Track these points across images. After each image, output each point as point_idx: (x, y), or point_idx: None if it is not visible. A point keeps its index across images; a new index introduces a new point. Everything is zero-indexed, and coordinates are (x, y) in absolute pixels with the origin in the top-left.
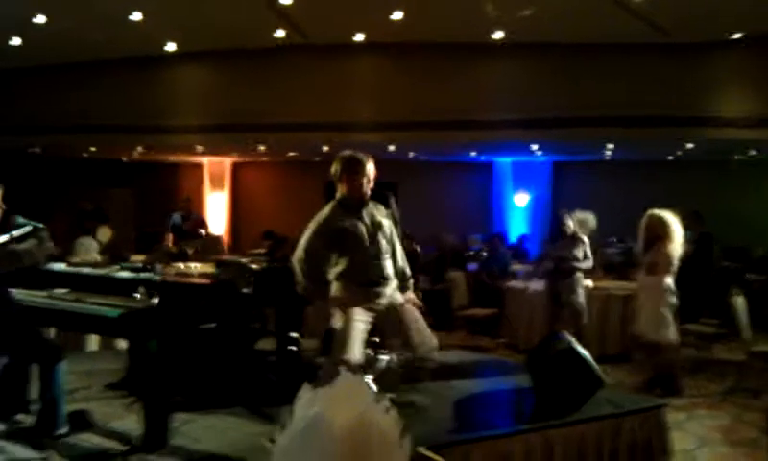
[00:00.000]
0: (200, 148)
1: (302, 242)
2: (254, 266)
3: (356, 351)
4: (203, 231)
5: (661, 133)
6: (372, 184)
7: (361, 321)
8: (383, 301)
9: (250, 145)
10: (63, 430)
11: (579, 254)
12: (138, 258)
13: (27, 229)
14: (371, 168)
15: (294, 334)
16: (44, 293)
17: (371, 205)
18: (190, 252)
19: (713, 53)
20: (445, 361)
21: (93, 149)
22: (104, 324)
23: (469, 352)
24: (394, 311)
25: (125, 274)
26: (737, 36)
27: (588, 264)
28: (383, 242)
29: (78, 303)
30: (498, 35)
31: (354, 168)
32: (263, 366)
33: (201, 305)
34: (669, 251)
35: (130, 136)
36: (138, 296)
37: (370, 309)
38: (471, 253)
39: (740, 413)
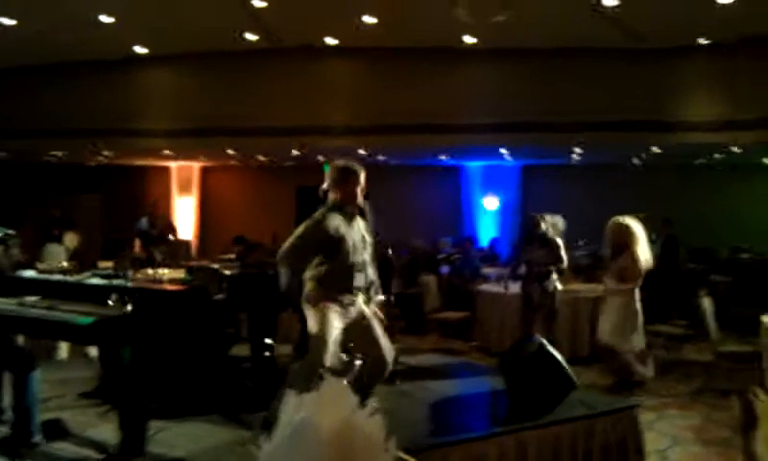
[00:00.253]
0: (168, 152)
1: (292, 239)
2: (227, 272)
3: (333, 356)
4: (171, 237)
5: (629, 138)
6: (363, 194)
7: (337, 327)
8: (354, 310)
9: (220, 149)
10: (38, 439)
11: (552, 257)
12: (106, 264)
13: None
14: (363, 178)
15: (268, 340)
16: (14, 300)
17: (357, 215)
18: (159, 257)
19: (679, 58)
20: (419, 364)
21: (60, 154)
22: (77, 331)
23: (442, 355)
24: (361, 322)
25: (96, 281)
26: (703, 41)
27: (563, 266)
28: (364, 254)
29: (50, 310)
30: (469, 39)
31: (349, 177)
32: (238, 372)
33: (174, 312)
34: (637, 257)
35: (98, 139)
36: (111, 303)
37: (343, 315)
38: (443, 256)
39: (710, 412)
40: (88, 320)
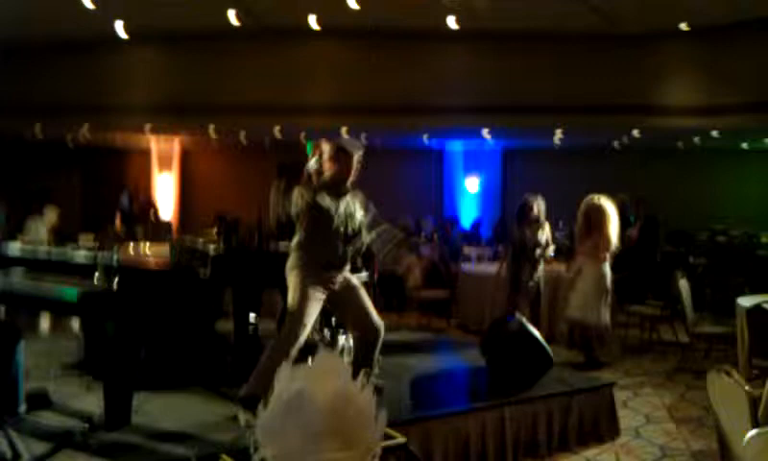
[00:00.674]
0: (149, 131)
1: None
2: (211, 249)
3: (307, 331)
4: (152, 214)
5: (610, 121)
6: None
7: (316, 300)
8: (338, 282)
9: (200, 128)
10: (23, 409)
11: (543, 238)
12: (87, 238)
13: None
14: (359, 157)
15: (251, 315)
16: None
17: (350, 192)
18: (139, 234)
19: (660, 43)
20: (400, 341)
21: (39, 131)
22: (63, 305)
23: (423, 333)
24: (348, 291)
25: (84, 255)
26: (684, 26)
27: (551, 249)
28: (349, 229)
29: (36, 283)
30: (453, 22)
31: (345, 153)
32: (221, 347)
33: (159, 288)
34: (609, 235)
35: (77, 116)
36: (96, 279)
37: (325, 289)
38: (424, 236)
39: (684, 392)
40: (74, 293)
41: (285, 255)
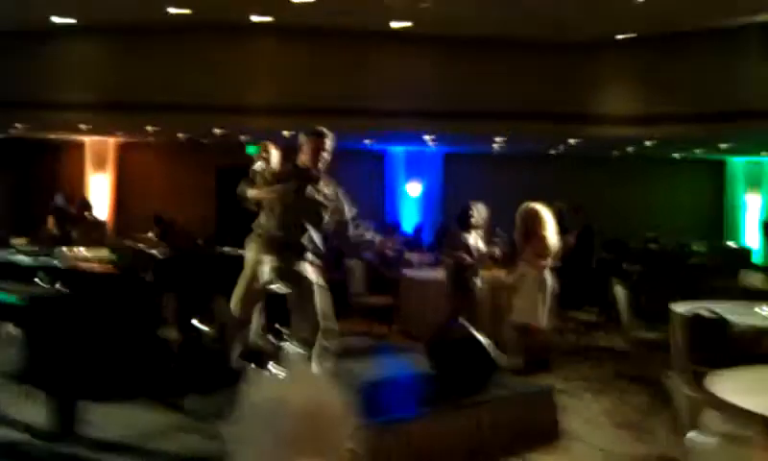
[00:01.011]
0: (83, 126)
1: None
2: (155, 252)
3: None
4: (87, 215)
5: (548, 129)
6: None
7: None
8: (299, 267)
9: (138, 125)
10: None
11: (480, 244)
12: (20, 241)
13: None
14: (330, 145)
15: (195, 322)
16: None
17: (322, 179)
18: (75, 235)
19: (598, 52)
20: (345, 347)
21: None
22: (10, 310)
23: (366, 339)
24: (307, 287)
25: (24, 259)
26: (621, 36)
27: (494, 253)
28: (314, 215)
29: None
30: (397, 24)
31: (320, 143)
32: (165, 354)
33: (105, 293)
34: (547, 240)
35: (8, 112)
36: (40, 282)
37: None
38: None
39: (622, 397)
40: (20, 299)
41: (233, 259)
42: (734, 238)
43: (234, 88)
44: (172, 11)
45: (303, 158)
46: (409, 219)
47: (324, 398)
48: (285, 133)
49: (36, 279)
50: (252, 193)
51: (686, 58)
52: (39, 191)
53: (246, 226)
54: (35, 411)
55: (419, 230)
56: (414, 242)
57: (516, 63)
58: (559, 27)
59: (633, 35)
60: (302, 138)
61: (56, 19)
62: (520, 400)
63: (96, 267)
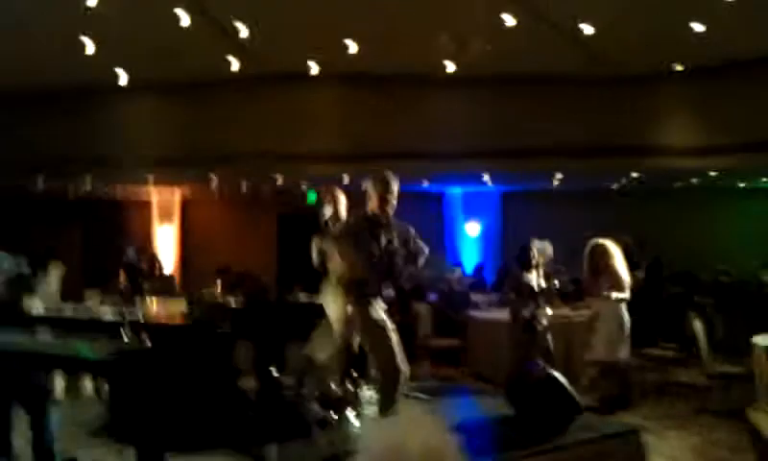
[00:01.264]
0: (149, 181)
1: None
2: (233, 304)
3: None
4: (157, 268)
5: (608, 163)
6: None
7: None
8: (377, 313)
9: (202, 177)
10: None
11: (542, 281)
12: (93, 294)
13: None
14: (396, 188)
15: (273, 371)
16: (25, 335)
17: (393, 223)
18: (146, 288)
19: (657, 84)
20: (420, 391)
21: (41, 184)
22: (98, 365)
23: (439, 382)
24: (385, 332)
25: (109, 314)
26: (679, 67)
27: (552, 291)
28: (386, 261)
29: (65, 344)
30: (451, 67)
31: (386, 188)
32: (244, 404)
33: (187, 345)
34: (618, 274)
35: (78, 169)
36: (125, 338)
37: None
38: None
39: (707, 433)
40: (106, 355)
41: (306, 306)
42: None
43: (294, 136)
44: (234, 63)
45: (372, 205)
46: (469, 259)
47: (443, 444)
48: (345, 177)
49: (122, 334)
50: (331, 250)
51: (744, 86)
52: (108, 246)
53: (306, 270)
54: None
55: (479, 269)
56: (476, 282)
57: (573, 98)
58: (616, 61)
59: (691, 66)
60: (369, 185)
61: (121, 76)
62: (606, 441)
63: (177, 319)
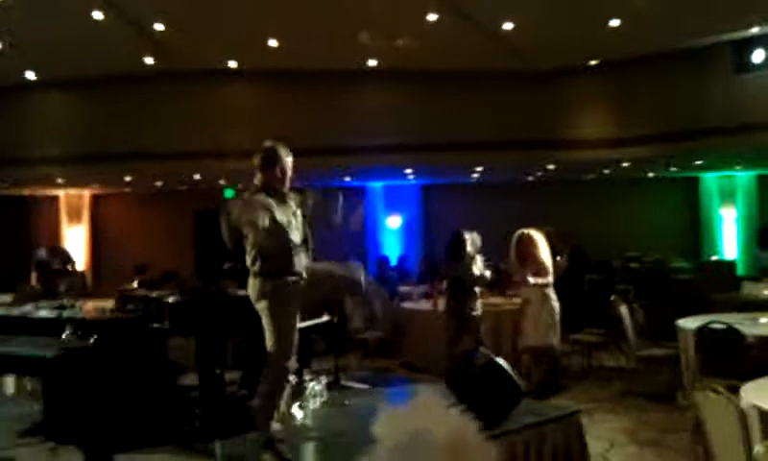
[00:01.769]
0: (60, 180)
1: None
2: (170, 300)
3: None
4: (70, 267)
5: (525, 156)
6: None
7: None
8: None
9: (115, 175)
10: None
11: (476, 271)
12: (4, 297)
13: None
14: (289, 160)
15: (214, 367)
16: None
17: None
18: (62, 288)
19: (570, 79)
20: (355, 383)
21: None
22: (42, 364)
23: (372, 373)
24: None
25: (46, 313)
26: (592, 62)
27: (485, 280)
28: (297, 236)
29: (4, 345)
30: (372, 62)
31: (274, 159)
32: (187, 401)
33: (129, 342)
34: (543, 261)
35: None
36: (66, 336)
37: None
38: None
39: (637, 415)
40: (50, 353)
41: (246, 299)
42: (710, 253)
43: (212, 133)
44: (147, 61)
45: (266, 175)
46: (391, 251)
47: (466, 430)
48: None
49: (65, 333)
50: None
51: (655, 79)
52: (14, 245)
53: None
54: None
55: (402, 261)
56: (402, 273)
57: (491, 94)
58: (530, 56)
59: (602, 60)
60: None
61: (30, 75)
62: (548, 424)
63: (115, 317)
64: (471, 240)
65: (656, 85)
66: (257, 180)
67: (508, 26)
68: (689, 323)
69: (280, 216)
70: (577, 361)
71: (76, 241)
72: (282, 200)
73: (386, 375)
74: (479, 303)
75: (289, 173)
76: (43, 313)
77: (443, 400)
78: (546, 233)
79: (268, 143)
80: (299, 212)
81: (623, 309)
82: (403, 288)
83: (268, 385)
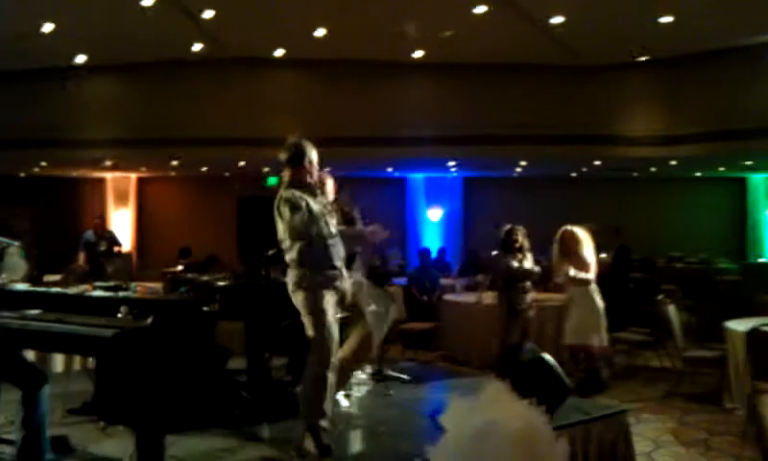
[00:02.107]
0: (108, 163)
1: (292, 237)
2: (221, 283)
3: (336, 338)
4: (117, 249)
5: (571, 151)
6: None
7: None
8: (339, 289)
9: (162, 160)
10: (50, 457)
11: (528, 265)
12: (52, 278)
13: None
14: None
15: (264, 351)
16: (15, 314)
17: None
18: (110, 270)
19: (621, 74)
20: (399, 374)
21: None
22: (97, 344)
23: (413, 365)
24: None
25: (100, 293)
26: (643, 58)
27: (537, 275)
28: (332, 228)
29: (61, 323)
30: (418, 54)
31: (302, 155)
32: (235, 385)
33: (184, 324)
34: (585, 257)
35: (34, 151)
36: (121, 315)
37: (333, 297)
38: (394, 268)
39: (682, 416)
40: (109, 332)
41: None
42: (757, 254)
43: (258, 121)
44: (196, 46)
45: (296, 173)
46: (430, 243)
47: (538, 422)
48: None
49: (120, 313)
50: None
51: (707, 77)
52: (63, 226)
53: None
54: (114, 447)
55: (442, 252)
56: (442, 266)
57: (537, 88)
58: (579, 50)
59: (654, 56)
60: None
61: (80, 58)
62: (596, 422)
63: (174, 297)
64: (524, 234)
65: (706, 83)
66: (286, 175)
67: (557, 20)
68: (738, 325)
69: (317, 209)
70: (621, 361)
71: (122, 224)
72: (313, 193)
73: (427, 366)
74: (530, 297)
75: (316, 166)
76: (98, 293)
77: (513, 394)
78: (589, 230)
79: (293, 138)
80: (328, 205)
81: (671, 309)
82: (444, 281)
83: (312, 373)
